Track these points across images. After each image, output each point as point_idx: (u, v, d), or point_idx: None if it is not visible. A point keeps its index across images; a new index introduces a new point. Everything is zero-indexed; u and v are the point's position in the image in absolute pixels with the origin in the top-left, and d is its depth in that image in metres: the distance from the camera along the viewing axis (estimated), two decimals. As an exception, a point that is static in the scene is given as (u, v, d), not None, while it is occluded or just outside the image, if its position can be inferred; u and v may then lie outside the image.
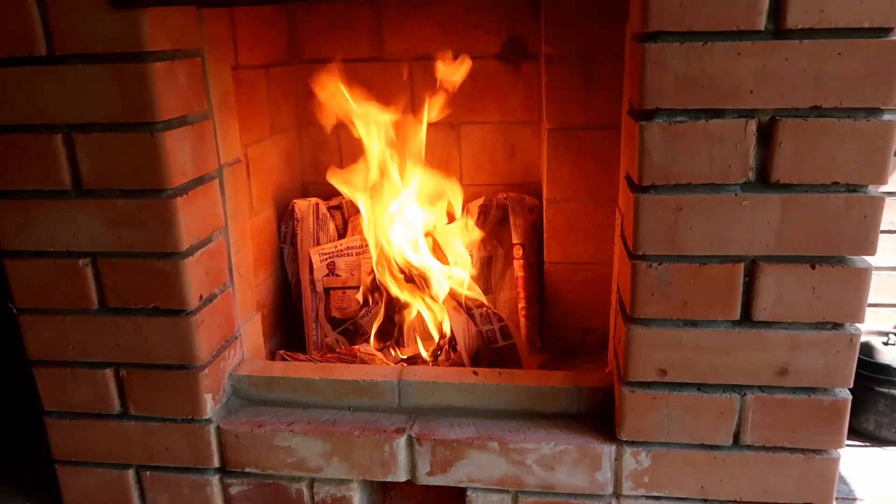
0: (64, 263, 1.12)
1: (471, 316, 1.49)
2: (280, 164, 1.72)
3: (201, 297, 1.16)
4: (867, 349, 1.46)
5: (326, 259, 1.71)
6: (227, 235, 1.25)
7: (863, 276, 0.97)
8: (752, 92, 0.91)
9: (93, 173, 1.07)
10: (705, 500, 1.11)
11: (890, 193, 1.62)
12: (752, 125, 0.93)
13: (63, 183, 1.08)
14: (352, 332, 1.70)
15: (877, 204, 0.94)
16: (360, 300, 1.67)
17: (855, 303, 0.98)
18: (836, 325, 1.00)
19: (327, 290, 1.71)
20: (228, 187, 1.25)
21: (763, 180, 0.95)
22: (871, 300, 1.69)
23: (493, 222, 1.69)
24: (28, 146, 1.06)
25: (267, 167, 1.63)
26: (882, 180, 0.93)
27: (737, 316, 1.01)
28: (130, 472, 1.24)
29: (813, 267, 0.97)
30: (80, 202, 1.09)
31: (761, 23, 0.89)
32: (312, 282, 1.69)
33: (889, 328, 1.60)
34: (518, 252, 1.66)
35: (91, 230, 1.10)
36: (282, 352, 1.55)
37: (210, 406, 1.19)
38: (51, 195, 1.09)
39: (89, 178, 1.08)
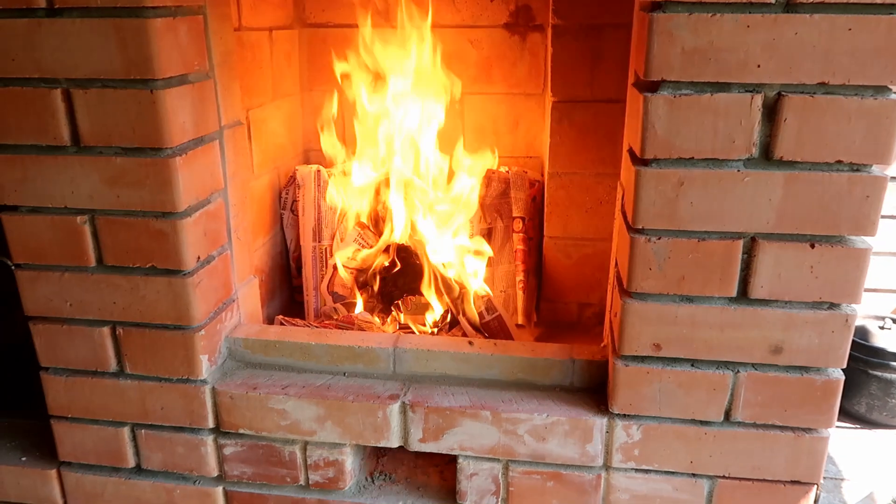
0: (62, 220, 1.12)
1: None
2: (282, 129, 1.71)
3: (199, 258, 1.16)
4: (863, 333, 1.46)
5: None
6: (226, 198, 1.24)
7: (862, 256, 0.96)
8: (759, 66, 0.90)
9: (91, 130, 1.06)
10: (694, 475, 1.12)
11: (893, 177, 1.62)
12: (758, 100, 0.92)
13: (61, 139, 1.07)
14: (353, 304, 1.70)
15: (880, 184, 0.93)
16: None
17: (853, 283, 0.98)
18: (833, 305, 1.00)
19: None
20: (229, 149, 1.24)
21: (766, 157, 0.94)
22: (869, 285, 1.70)
23: (494, 195, 1.68)
24: (26, 100, 1.05)
25: (268, 131, 1.62)
26: (887, 160, 0.92)
27: (733, 293, 1.01)
28: (125, 430, 1.26)
29: (812, 246, 0.97)
30: (79, 159, 1.08)
31: (772, -5, 0.87)
32: (315, 249, 1.69)
33: (886, 313, 1.60)
34: (518, 225, 1.66)
35: (89, 187, 1.10)
36: (280, 317, 1.56)
37: (206, 367, 1.20)
38: (49, 151, 1.08)
39: (88, 135, 1.07)
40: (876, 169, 0.93)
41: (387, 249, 1.64)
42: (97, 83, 1.04)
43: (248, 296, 1.37)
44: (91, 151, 1.08)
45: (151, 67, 1.01)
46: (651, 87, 0.94)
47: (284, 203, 1.72)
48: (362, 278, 1.65)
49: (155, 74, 1.02)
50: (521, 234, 1.66)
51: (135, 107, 1.04)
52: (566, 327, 1.66)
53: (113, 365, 1.21)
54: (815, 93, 0.91)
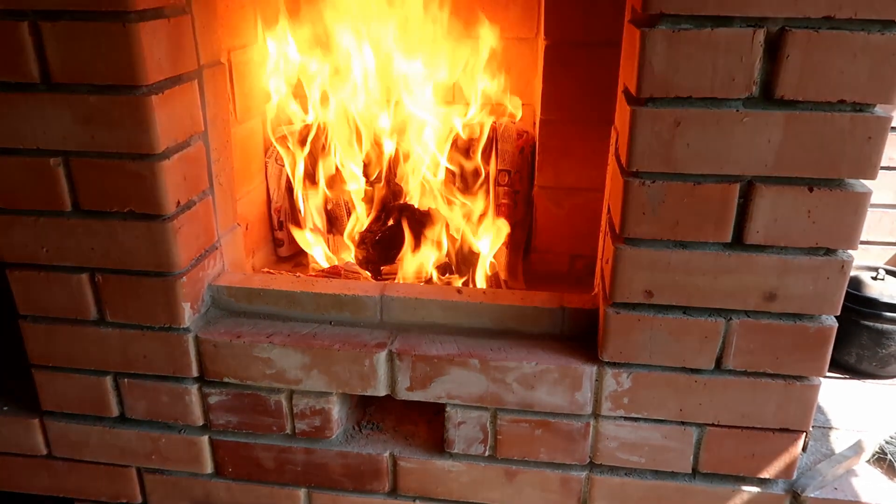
0: (34, 162, 1.08)
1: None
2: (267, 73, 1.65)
3: (178, 203, 1.12)
4: (855, 283, 1.45)
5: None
6: (206, 141, 1.20)
7: (861, 200, 0.94)
8: (762, -1, 0.86)
9: (62, 66, 1.01)
10: (683, 423, 1.12)
11: (893, 128, 1.59)
12: (760, 35, 0.88)
13: (31, 75, 1.02)
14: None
15: (883, 125, 0.90)
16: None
17: (850, 228, 0.96)
18: (829, 251, 0.98)
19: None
20: (208, 91, 1.19)
21: (767, 96, 0.91)
22: (864, 238, 1.69)
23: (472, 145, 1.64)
24: (-9, 33, 1.00)
25: (252, 75, 1.56)
26: (891, 100, 0.89)
27: (728, 238, 0.98)
28: (108, 379, 1.23)
29: (811, 190, 0.94)
30: (49, 96, 1.03)
31: (779, -79, 0.82)
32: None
33: (880, 264, 1.59)
34: (504, 178, 1.62)
35: (62, 128, 1.05)
36: (266, 269, 1.53)
37: (188, 315, 1.17)
38: (18, 88, 1.03)
39: (58, 72, 1.02)
40: (879, 109, 0.90)
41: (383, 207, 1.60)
42: (67, 15, 0.98)
43: (232, 244, 1.33)
44: (62, 89, 1.03)
45: (123, -2, 0.96)
46: (649, 21, 0.89)
47: (270, 152, 1.68)
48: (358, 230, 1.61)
49: (127, 6, 0.97)
50: (505, 188, 1.62)
51: (107, 41, 0.99)
52: (557, 278, 1.64)
53: (93, 312, 1.18)
54: (819, 28, 0.86)
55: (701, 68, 0.90)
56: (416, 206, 1.58)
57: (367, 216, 1.62)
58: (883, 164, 1.63)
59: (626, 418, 1.13)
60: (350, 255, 1.61)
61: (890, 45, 0.86)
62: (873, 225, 1.71)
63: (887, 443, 1.22)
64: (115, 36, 0.98)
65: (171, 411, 1.24)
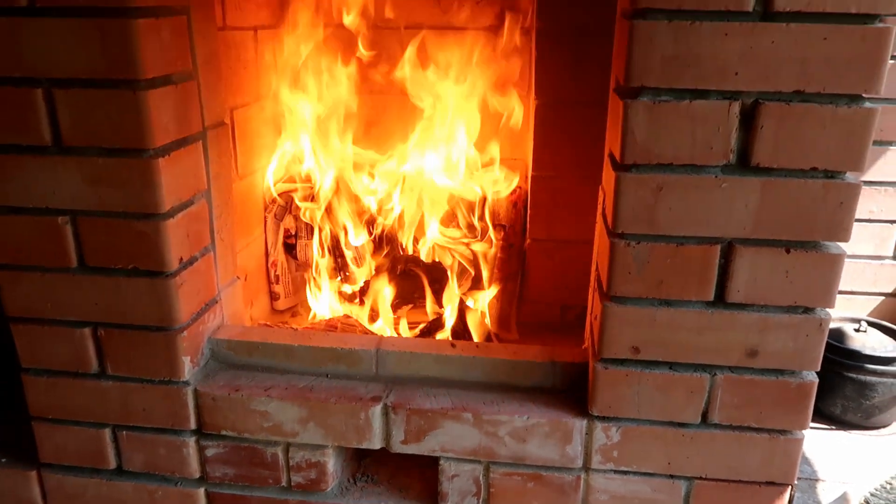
0: (43, 220, 1.12)
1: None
2: (267, 128, 1.71)
3: (181, 259, 1.15)
4: (838, 335, 1.48)
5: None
6: (209, 198, 1.24)
7: (836, 261, 0.98)
8: (737, 73, 0.91)
9: (73, 130, 1.06)
10: (672, 476, 1.14)
11: (869, 182, 1.65)
12: (736, 107, 0.93)
13: (43, 139, 1.07)
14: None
15: (853, 191, 0.95)
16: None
17: (827, 288, 1.00)
18: (808, 310, 1.02)
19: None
20: (212, 150, 1.24)
21: (743, 163, 0.96)
22: (846, 288, 1.73)
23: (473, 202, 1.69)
24: (7, 99, 1.05)
25: (253, 131, 1.62)
26: (860, 167, 0.94)
27: (711, 297, 1.02)
28: (107, 432, 1.25)
29: (788, 251, 0.99)
30: (60, 159, 1.08)
31: (750, 4, 0.89)
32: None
33: (863, 316, 1.63)
34: (499, 233, 1.66)
35: (71, 188, 1.09)
36: (264, 322, 1.56)
37: (188, 368, 1.20)
38: (30, 151, 1.08)
39: (69, 135, 1.06)
40: (850, 176, 0.95)
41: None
42: (79, 83, 1.03)
43: (232, 296, 1.36)
44: (73, 152, 1.07)
45: (135, 68, 1.01)
46: (631, 92, 0.95)
47: (268, 205, 1.72)
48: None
49: (138, 75, 1.02)
50: (500, 242, 1.66)
51: (117, 107, 1.04)
52: (549, 328, 1.67)
53: (94, 366, 1.21)
54: (791, 100, 0.92)
55: (681, 137, 0.95)
56: (419, 258, 1.62)
57: (371, 267, 1.67)
58: (863, 216, 1.70)
59: (616, 471, 1.15)
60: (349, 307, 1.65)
61: (857, 118, 0.92)
62: (856, 276, 1.75)
63: (872, 495, 1.24)
64: (125, 102, 1.03)
65: (169, 464, 1.25)
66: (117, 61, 1.01)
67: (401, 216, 1.66)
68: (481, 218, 1.64)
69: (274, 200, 1.69)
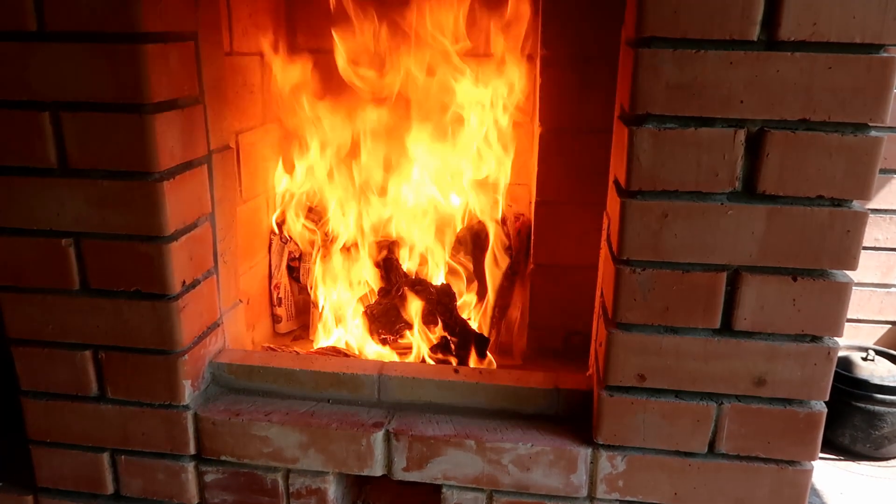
0: (46, 242, 1.11)
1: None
2: (272, 152, 1.71)
3: (184, 282, 1.15)
4: (846, 364, 1.47)
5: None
6: (213, 222, 1.24)
7: (843, 290, 0.97)
8: (742, 102, 0.92)
9: (79, 153, 1.06)
10: (678, 507, 1.12)
11: (874, 210, 1.64)
12: (741, 135, 0.93)
13: (48, 161, 1.07)
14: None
15: (860, 219, 0.94)
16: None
17: (834, 316, 0.99)
18: (815, 338, 1.01)
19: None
20: (217, 174, 1.25)
21: (749, 191, 0.95)
22: (853, 316, 1.72)
23: (478, 229, 1.69)
24: (14, 122, 1.05)
25: (258, 155, 1.63)
26: (866, 196, 0.94)
27: (717, 324, 1.01)
28: (105, 456, 1.24)
29: (794, 279, 0.98)
30: (66, 181, 1.08)
31: (754, 33, 0.89)
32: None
33: (870, 344, 1.61)
34: (503, 260, 1.66)
35: (75, 210, 1.09)
36: (267, 345, 1.55)
37: (188, 392, 1.19)
38: (35, 173, 1.08)
39: (75, 158, 1.07)
40: (856, 204, 0.95)
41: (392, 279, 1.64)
42: (86, 107, 1.04)
43: (234, 320, 1.36)
44: (78, 174, 1.08)
45: (142, 92, 1.02)
46: (636, 120, 0.95)
47: (273, 229, 1.72)
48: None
49: (145, 99, 1.03)
50: (504, 270, 1.66)
51: (124, 131, 1.04)
52: (553, 354, 1.65)
53: (94, 389, 1.20)
54: (796, 129, 0.92)
55: (686, 164, 0.95)
56: (427, 281, 1.62)
57: (375, 290, 1.66)
58: (869, 244, 1.69)
59: (621, 501, 1.13)
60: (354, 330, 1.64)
61: (863, 146, 0.91)
62: (863, 304, 1.74)
63: (883, 528, 1.22)
64: (131, 126, 1.04)
65: (167, 489, 1.24)
66: (125, 85, 1.02)
67: (404, 242, 1.66)
68: (484, 245, 1.63)
69: (281, 223, 1.69)
